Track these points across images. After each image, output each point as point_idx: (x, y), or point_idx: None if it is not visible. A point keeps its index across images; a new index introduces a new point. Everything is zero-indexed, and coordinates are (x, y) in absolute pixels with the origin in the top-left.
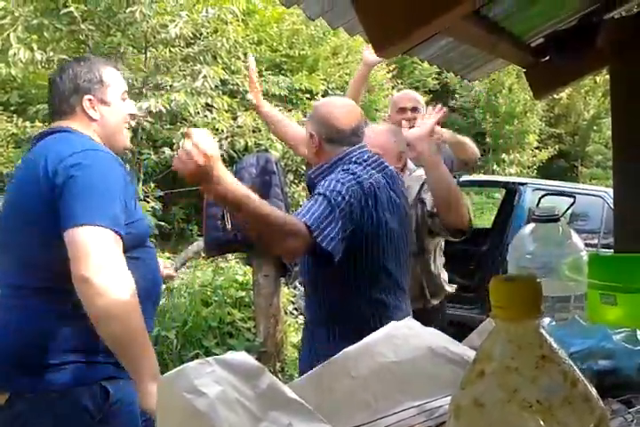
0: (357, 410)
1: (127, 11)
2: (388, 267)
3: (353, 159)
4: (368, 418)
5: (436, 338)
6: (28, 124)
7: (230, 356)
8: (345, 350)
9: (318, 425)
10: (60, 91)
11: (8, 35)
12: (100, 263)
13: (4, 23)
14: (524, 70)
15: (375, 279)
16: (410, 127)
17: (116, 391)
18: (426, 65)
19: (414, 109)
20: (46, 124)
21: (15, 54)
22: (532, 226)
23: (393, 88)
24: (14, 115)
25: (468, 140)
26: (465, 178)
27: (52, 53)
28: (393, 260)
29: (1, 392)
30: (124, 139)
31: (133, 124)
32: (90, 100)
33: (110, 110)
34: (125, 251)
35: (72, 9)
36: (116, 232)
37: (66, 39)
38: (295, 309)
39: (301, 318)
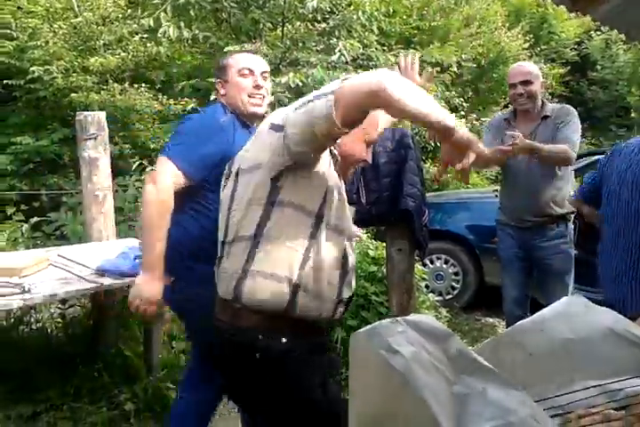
0: (530, 385)
1: None
2: None
3: None
4: (543, 394)
5: (612, 317)
6: (172, 101)
7: (419, 318)
8: (519, 323)
9: (514, 392)
10: None
11: (158, 14)
12: (155, 180)
13: (154, 3)
14: None
15: None
16: (523, 100)
17: None
18: (563, 35)
19: (524, 83)
20: (191, 100)
21: (165, 32)
22: None
23: (530, 58)
24: (159, 93)
25: (550, 149)
26: None
27: (197, 31)
28: None
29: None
30: (244, 105)
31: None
32: (219, 82)
33: (229, 86)
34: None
35: None
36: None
37: (209, 17)
38: (426, 286)
39: (432, 296)
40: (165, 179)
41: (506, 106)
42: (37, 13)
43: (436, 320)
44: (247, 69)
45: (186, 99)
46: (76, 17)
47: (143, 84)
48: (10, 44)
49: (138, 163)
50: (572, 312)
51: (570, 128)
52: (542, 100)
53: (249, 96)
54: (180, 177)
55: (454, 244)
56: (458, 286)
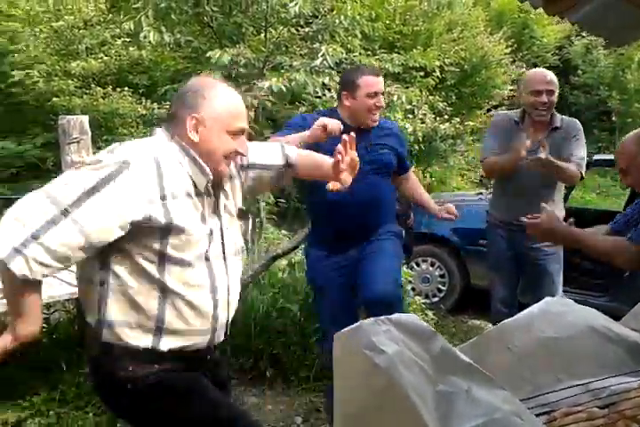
0: (515, 384)
1: None
2: None
3: None
4: (528, 393)
5: (594, 316)
6: (155, 105)
7: (402, 317)
8: (502, 322)
9: (498, 391)
10: None
11: (139, 18)
12: None
13: (136, 7)
14: None
15: None
16: (544, 110)
17: None
18: (545, 40)
19: (550, 93)
20: None
21: (145, 37)
22: None
23: (512, 63)
24: (142, 97)
25: (567, 168)
26: (597, 157)
27: (179, 36)
28: None
29: None
30: (366, 119)
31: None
32: (346, 95)
33: (356, 102)
34: None
35: None
36: None
37: (191, 21)
38: (413, 288)
39: (419, 299)
40: None
41: (489, 110)
42: (18, 17)
43: (419, 319)
44: (374, 93)
45: (169, 103)
46: (57, 20)
47: (126, 89)
48: None
49: None
50: (554, 312)
51: (580, 146)
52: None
53: (371, 113)
54: None
55: (440, 246)
56: (444, 288)
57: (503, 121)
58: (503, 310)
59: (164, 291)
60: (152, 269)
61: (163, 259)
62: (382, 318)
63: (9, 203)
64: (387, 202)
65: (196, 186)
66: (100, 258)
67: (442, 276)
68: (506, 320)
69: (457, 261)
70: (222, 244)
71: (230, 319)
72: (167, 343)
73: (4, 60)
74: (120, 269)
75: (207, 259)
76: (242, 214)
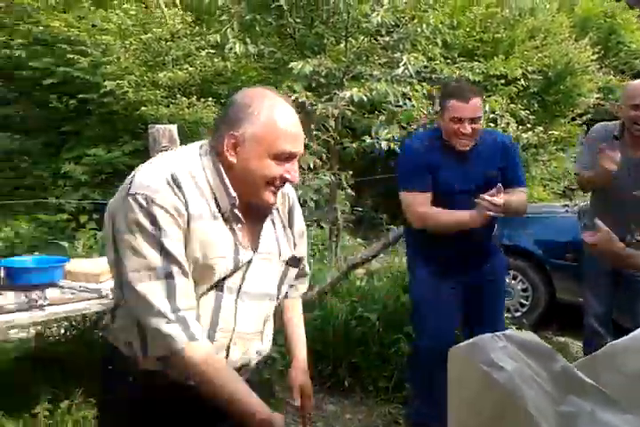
0: (629, 408)
1: (331, 1)
2: None
3: None
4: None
5: None
6: None
7: (520, 334)
8: (611, 343)
9: (624, 415)
10: None
11: (225, 30)
12: None
13: (222, 19)
14: None
15: None
16: None
17: None
18: (633, 46)
19: None
20: None
21: (231, 48)
22: None
23: (599, 70)
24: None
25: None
26: None
27: (262, 47)
28: None
29: None
30: (452, 143)
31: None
32: (440, 114)
33: (444, 124)
34: None
35: (282, 2)
36: None
37: (273, 33)
38: None
39: None
40: None
41: (573, 118)
42: (110, 30)
43: (536, 337)
44: (457, 119)
45: None
46: (146, 33)
47: (210, 98)
48: (85, 61)
49: None
50: None
51: None
52: None
53: (457, 138)
54: None
55: (522, 259)
56: (527, 302)
57: (600, 133)
58: (597, 328)
59: None
60: None
61: None
62: (499, 333)
63: (99, 207)
64: (493, 224)
65: (220, 209)
66: None
67: (524, 290)
68: (614, 342)
69: (541, 274)
70: (243, 278)
71: (240, 362)
72: (146, 366)
73: (97, 72)
74: None
75: (221, 289)
76: (293, 262)
